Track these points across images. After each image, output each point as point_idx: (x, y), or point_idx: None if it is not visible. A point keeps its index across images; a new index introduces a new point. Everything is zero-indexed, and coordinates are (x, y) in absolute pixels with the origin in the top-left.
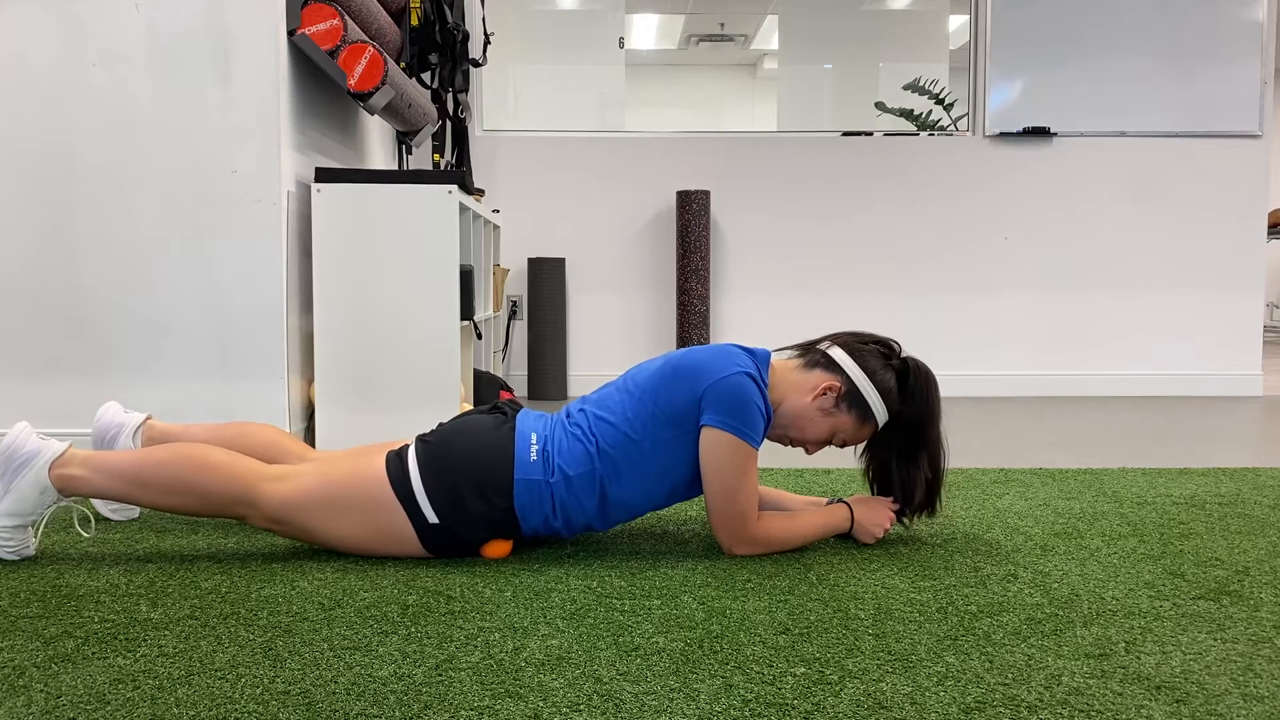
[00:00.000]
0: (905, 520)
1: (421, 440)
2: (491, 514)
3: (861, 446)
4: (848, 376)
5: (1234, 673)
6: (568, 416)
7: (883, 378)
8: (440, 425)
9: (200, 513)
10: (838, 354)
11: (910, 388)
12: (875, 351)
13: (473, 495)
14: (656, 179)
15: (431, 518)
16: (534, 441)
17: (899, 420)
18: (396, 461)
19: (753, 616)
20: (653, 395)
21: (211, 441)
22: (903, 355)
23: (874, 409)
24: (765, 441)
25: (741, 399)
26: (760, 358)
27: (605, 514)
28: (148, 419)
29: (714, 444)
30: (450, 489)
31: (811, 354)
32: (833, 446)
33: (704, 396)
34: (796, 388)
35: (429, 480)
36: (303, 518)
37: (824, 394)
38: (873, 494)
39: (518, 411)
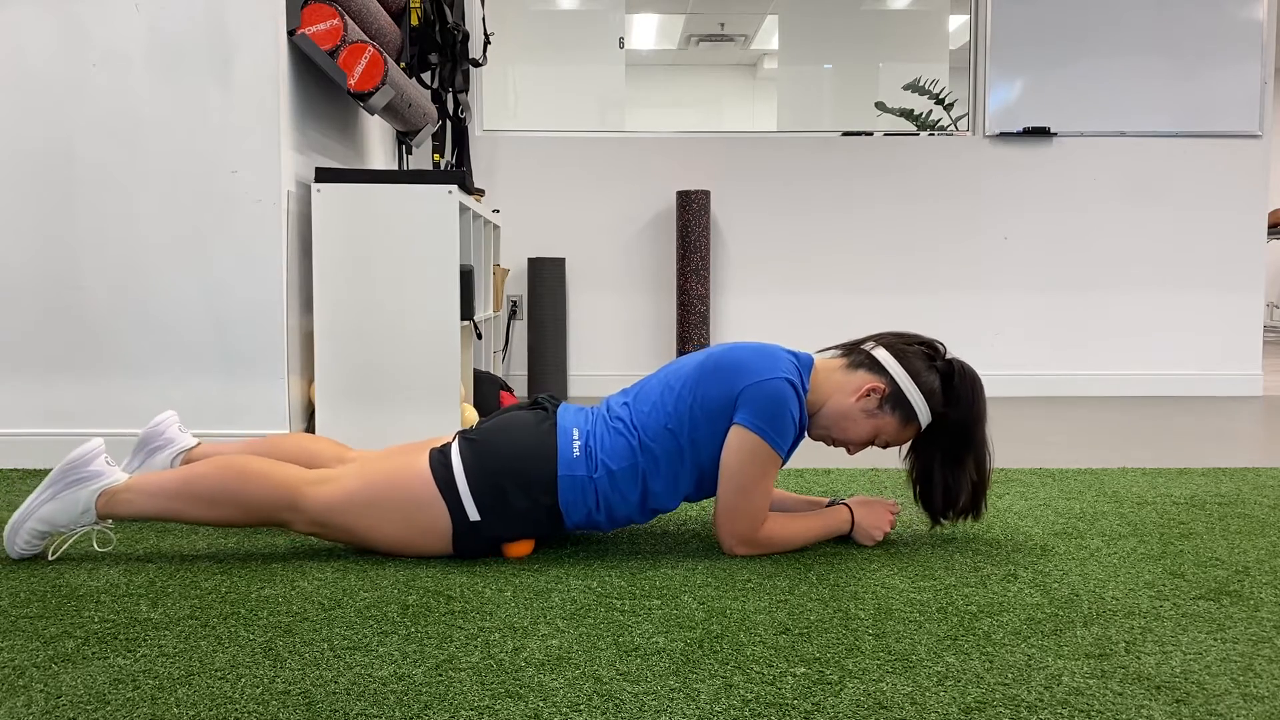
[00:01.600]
0: (946, 522)
1: (464, 438)
2: (535, 510)
3: (906, 449)
4: (891, 378)
5: (1234, 673)
6: (608, 411)
7: (927, 379)
8: (482, 422)
9: (244, 523)
10: (882, 355)
11: (955, 390)
12: (919, 353)
13: (517, 492)
14: (656, 179)
15: (474, 515)
16: (576, 437)
17: (943, 422)
18: (440, 459)
19: (753, 616)
20: (692, 389)
21: (248, 453)
22: (948, 357)
23: (917, 410)
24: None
25: (778, 405)
26: (804, 363)
27: (646, 507)
28: (197, 446)
29: (740, 443)
30: (495, 486)
31: (855, 354)
32: (875, 447)
33: (741, 395)
34: (840, 388)
35: (474, 478)
36: (346, 519)
37: (867, 395)
38: (915, 497)
39: (557, 406)
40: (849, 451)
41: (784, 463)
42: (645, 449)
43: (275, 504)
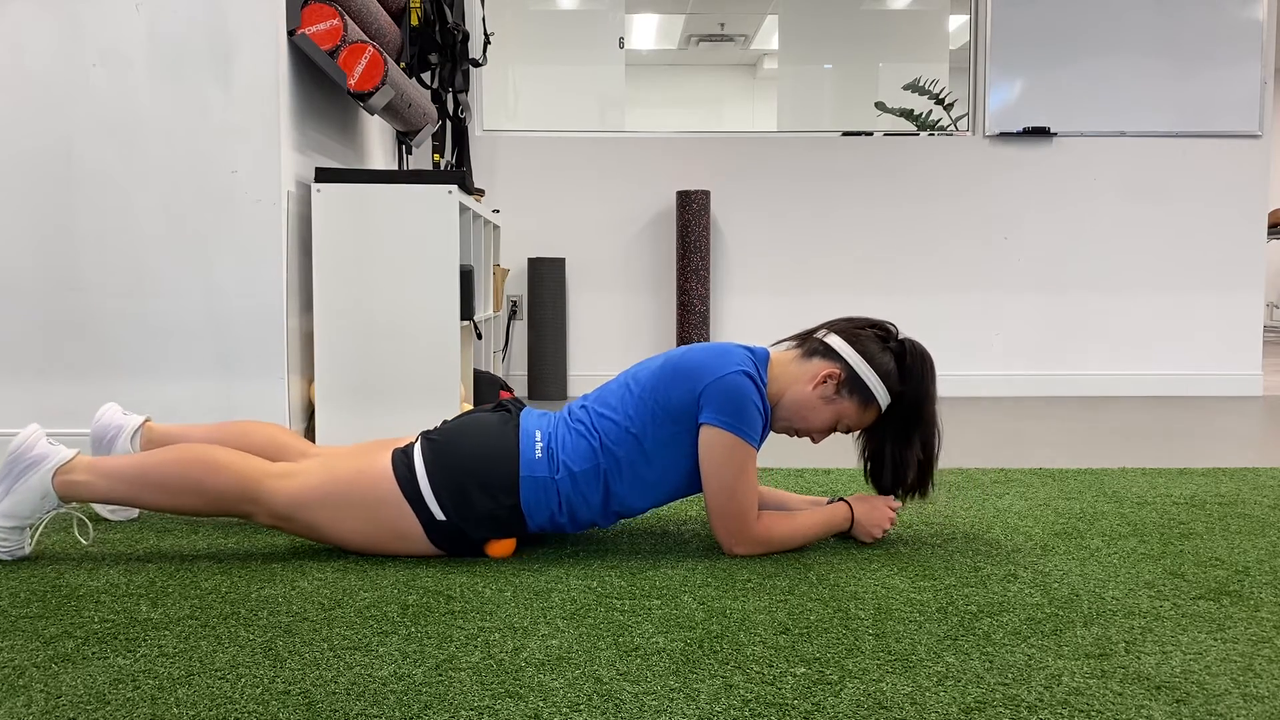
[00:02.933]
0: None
1: (427, 438)
2: (497, 511)
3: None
4: (846, 363)
5: (1234, 673)
6: (569, 414)
7: (881, 360)
8: (445, 423)
9: (205, 512)
10: (835, 341)
11: (908, 368)
12: (872, 335)
13: (478, 492)
14: (656, 179)
15: (439, 515)
16: (538, 439)
17: (897, 401)
18: (402, 459)
19: (753, 616)
20: (653, 393)
21: (213, 441)
22: (900, 336)
23: (875, 392)
24: (766, 439)
25: (739, 398)
26: (759, 356)
27: (608, 509)
28: (146, 421)
29: (712, 443)
30: (456, 487)
31: (809, 343)
32: (839, 434)
33: (702, 395)
34: (797, 378)
35: (435, 478)
36: (308, 515)
37: (824, 382)
38: (866, 475)
39: (521, 409)
40: (813, 440)
41: (756, 451)
42: (606, 450)
43: (237, 495)
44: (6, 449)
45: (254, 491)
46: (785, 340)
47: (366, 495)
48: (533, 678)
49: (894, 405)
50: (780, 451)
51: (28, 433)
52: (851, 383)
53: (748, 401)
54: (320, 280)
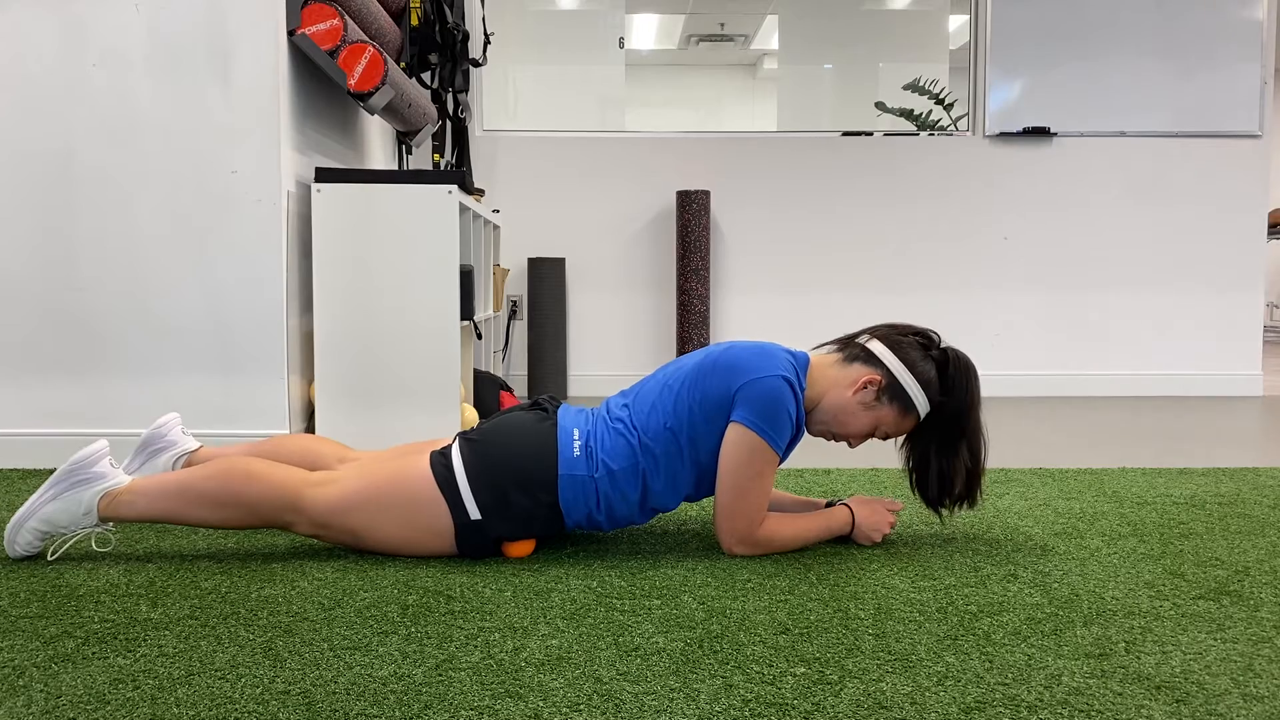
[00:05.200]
0: (944, 511)
1: (465, 438)
2: (536, 509)
3: (901, 439)
4: (888, 369)
5: (1234, 673)
6: (608, 412)
7: (923, 369)
8: (482, 423)
9: (245, 525)
10: (877, 347)
11: (950, 378)
12: (914, 343)
13: (517, 491)
14: (656, 179)
15: (475, 514)
16: (576, 437)
17: (939, 410)
18: (441, 460)
19: (753, 616)
20: (691, 388)
21: (251, 455)
22: (942, 345)
23: (915, 401)
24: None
25: (775, 403)
26: (800, 361)
27: (645, 507)
28: (199, 450)
29: (737, 441)
30: (495, 485)
31: (850, 348)
32: (875, 439)
33: (739, 392)
34: (836, 383)
35: (475, 478)
36: (347, 520)
37: (864, 388)
38: (911, 484)
39: (558, 407)
40: (850, 445)
41: (782, 461)
42: (645, 449)
43: (277, 506)
44: (70, 456)
45: (294, 501)
46: (826, 344)
47: (406, 497)
48: (533, 678)
49: (934, 414)
50: None
51: (94, 448)
52: (892, 390)
53: (781, 408)
54: (320, 280)
